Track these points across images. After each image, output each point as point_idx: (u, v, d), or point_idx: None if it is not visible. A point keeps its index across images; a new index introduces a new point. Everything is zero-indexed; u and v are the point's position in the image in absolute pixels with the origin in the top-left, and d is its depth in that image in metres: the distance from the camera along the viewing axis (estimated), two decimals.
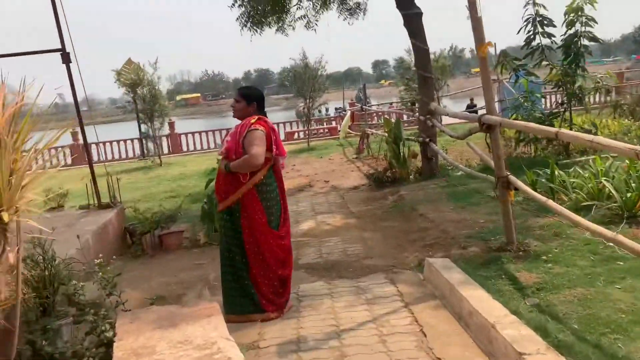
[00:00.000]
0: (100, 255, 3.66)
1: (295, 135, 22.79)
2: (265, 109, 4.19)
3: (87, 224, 6.83)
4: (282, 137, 22.78)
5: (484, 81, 4.59)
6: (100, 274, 3.48)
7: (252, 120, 3.93)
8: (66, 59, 7.23)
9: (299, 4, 11.17)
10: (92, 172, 7.73)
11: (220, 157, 4.08)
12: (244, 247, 3.93)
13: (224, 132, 20.21)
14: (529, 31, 8.93)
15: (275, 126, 4.20)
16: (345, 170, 12.27)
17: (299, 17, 11.44)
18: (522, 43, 9.06)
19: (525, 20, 8.89)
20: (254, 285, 3.94)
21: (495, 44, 11.60)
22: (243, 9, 10.82)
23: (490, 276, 4.31)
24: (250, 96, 4.11)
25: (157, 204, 10.43)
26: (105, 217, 7.06)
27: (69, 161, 19.20)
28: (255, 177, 3.91)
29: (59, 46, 7.22)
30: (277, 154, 4.05)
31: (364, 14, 11.91)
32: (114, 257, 6.00)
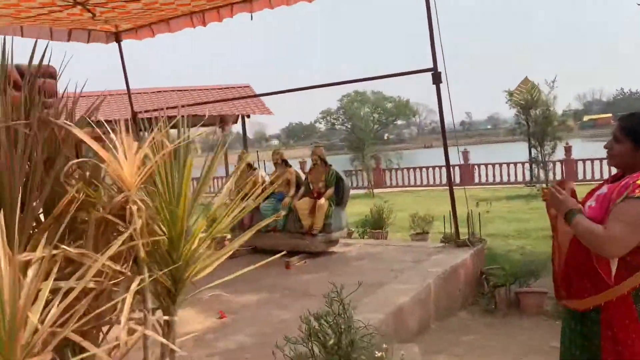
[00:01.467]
0: (384, 345, 2.74)
1: None
2: None
3: (435, 263, 6.10)
4: None
5: None
6: None
7: (639, 180, 2.15)
8: (437, 79, 6.69)
9: None
10: (453, 203, 6.93)
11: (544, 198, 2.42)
12: None
13: None
14: None
15: None
16: None
17: None
18: None
19: None
20: None
21: None
22: None
23: None
24: None
25: (529, 243, 9.07)
26: (458, 258, 6.17)
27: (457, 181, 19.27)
28: (635, 277, 2.15)
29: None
30: None
31: None
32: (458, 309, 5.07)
